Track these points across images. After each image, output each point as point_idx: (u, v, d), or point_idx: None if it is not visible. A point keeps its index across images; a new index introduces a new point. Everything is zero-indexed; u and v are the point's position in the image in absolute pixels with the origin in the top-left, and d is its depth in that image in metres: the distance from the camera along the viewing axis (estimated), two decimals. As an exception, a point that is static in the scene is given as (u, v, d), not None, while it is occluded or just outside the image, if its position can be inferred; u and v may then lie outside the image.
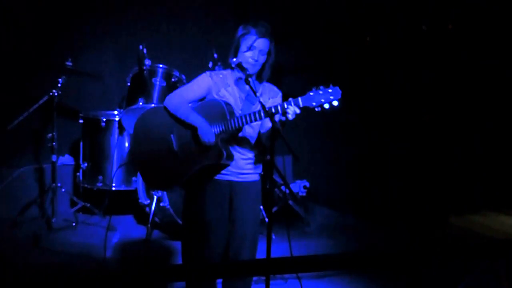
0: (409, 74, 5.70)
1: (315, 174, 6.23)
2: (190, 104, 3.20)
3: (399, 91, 5.78)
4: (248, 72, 3.11)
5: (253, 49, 3.13)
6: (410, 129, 5.70)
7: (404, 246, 4.88)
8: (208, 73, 3.22)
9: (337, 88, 2.98)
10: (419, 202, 5.46)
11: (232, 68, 3.19)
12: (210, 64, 4.82)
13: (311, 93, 2.99)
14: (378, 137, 5.89)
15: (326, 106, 2.98)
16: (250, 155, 3.25)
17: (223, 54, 4.80)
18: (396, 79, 5.77)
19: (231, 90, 3.22)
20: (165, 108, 3.21)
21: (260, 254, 4.16)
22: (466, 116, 5.62)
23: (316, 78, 5.80)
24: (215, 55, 4.81)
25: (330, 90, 2.97)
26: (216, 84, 3.20)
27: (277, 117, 3.12)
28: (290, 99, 3.02)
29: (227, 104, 3.14)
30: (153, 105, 4.67)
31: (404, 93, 5.76)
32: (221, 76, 3.22)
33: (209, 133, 3.08)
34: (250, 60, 3.13)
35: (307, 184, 6.28)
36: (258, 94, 3.13)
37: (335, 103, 2.98)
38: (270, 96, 3.31)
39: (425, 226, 5.18)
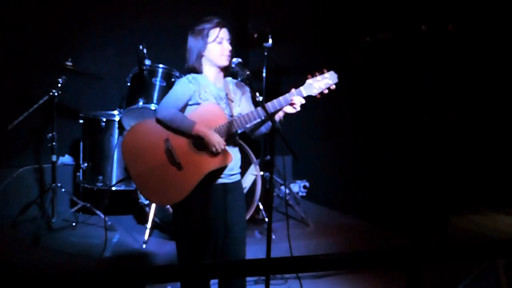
0: (409, 74, 5.70)
1: (315, 174, 6.23)
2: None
3: (399, 91, 5.78)
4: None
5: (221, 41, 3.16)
6: (410, 129, 5.70)
7: (404, 246, 4.88)
8: (185, 79, 3.15)
9: (332, 72, 3.04)
10: (419, 202, 5.45)
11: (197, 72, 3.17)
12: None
13: (310, 81, 3.04)
14: (378, 137, 5.89)
15: (326, 91, 3.04)
16: (238, 155, 3.26)
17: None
18: (395, 79, 5.77)
19: (209, 91, 3.16)
20: (157, 120, 3.09)
21: (260, 254, 4.18)
22: (465, 116, 5.62)
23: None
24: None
25: (327, 76, 3.04)
26: (196, 88, 3.13)
27: (280, 114, 3.12)
28: (293, 90, 3.04)
29: (219, 105, 3.12)
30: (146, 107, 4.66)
31: (403, 93, 5.76)
32: (194, 78, 3.16)
33: (219, 140, 3.03)
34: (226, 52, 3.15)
35: (307, 184, 6.29)
36: (232, 92, 3.15)
37: (333, 86, 3.04)
38: (242, 92, 3.27)
39: (425, 226, 5.17)
